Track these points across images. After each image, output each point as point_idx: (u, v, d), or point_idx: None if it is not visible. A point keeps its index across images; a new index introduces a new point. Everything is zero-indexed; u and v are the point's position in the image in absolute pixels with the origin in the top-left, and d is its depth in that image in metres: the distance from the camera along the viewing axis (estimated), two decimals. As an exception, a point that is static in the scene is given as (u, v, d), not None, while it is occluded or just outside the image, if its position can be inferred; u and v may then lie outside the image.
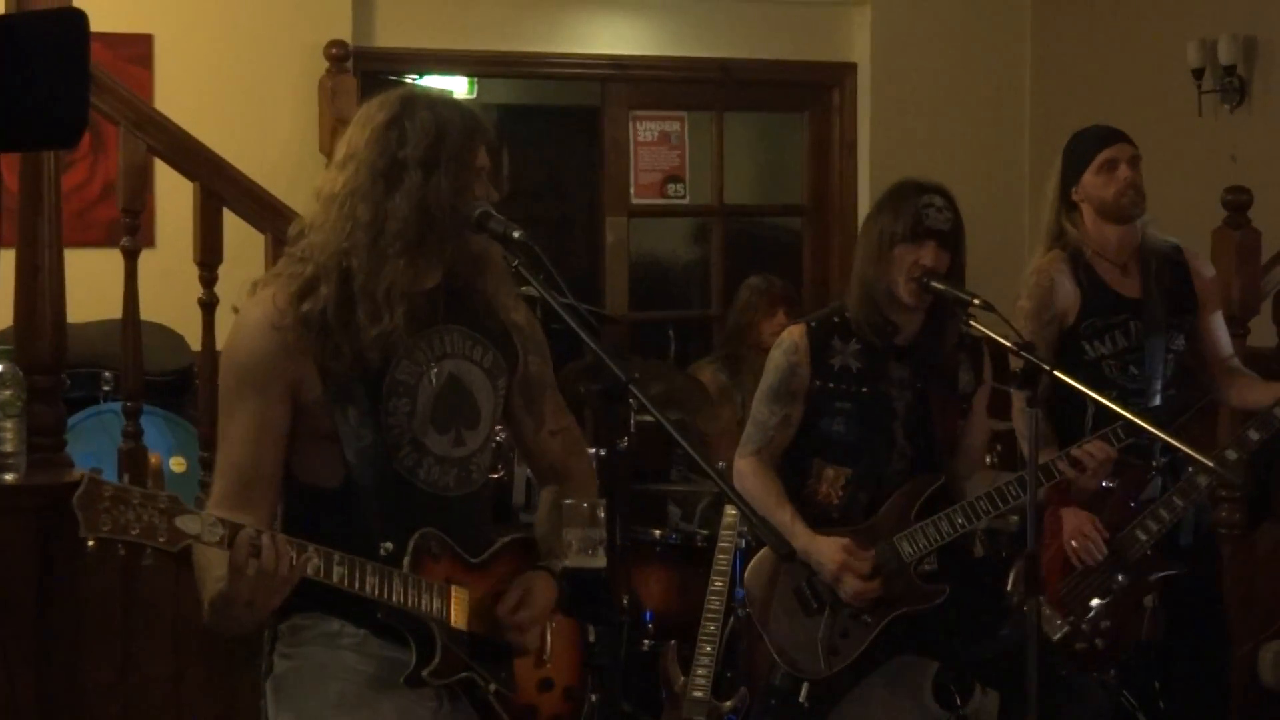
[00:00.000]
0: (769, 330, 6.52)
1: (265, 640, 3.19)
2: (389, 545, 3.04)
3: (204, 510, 2.85)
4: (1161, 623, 4.60)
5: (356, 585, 2.96)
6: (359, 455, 3.06)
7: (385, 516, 3.06)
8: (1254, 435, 4.54)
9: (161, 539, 2.75)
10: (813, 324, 4.29)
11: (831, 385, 4.23)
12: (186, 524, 2.77)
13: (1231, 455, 4.50)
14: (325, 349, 3.02)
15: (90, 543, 2.71)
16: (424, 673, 3.05)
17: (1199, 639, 4.75)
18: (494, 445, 3.37)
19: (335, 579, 2.94)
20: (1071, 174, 4.68)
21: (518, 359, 3.28)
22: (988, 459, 4.92)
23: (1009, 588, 4.41)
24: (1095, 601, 4.49)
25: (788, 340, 4.28)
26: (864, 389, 4.22)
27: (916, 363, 4.25)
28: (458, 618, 3.10)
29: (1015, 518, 5.07)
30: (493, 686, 3.14)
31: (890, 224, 4.13)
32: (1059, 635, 4.43)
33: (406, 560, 3.04)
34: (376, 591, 2.99)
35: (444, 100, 3.18)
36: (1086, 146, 4.68)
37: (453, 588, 3.10)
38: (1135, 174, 4.63)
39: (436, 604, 3.07)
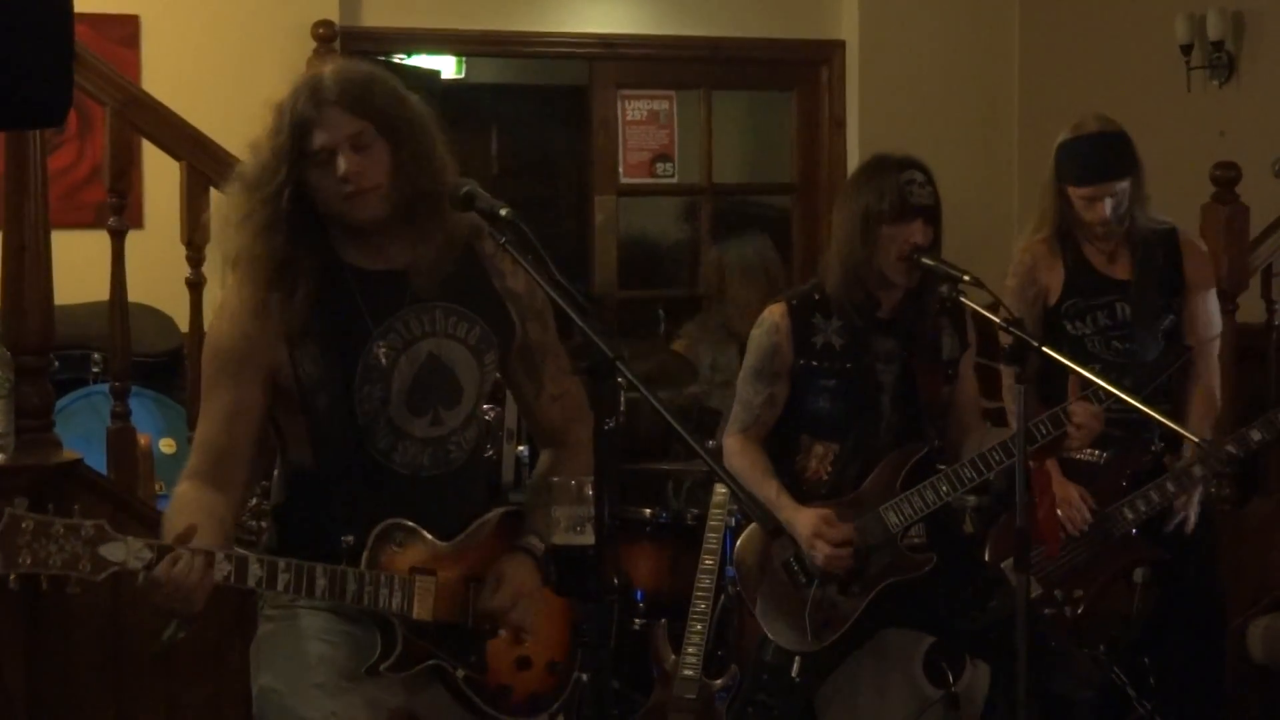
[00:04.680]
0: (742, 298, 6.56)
1: (257, 605, 3.24)
2: (349, 539, 3.06)
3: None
4: (1152, 600, 4.61)
5: (304, 590, 3.00)
6: (325, 443, 3.10)
7: (351, 504, 3.10)
8: (1256, 435, 4.56)
9: (85, 568, 2.77)
10: (793, 302, 4.27)
11: (815, 363, 4.22)
12: (111, 551, 2.80)
13: (1232, 450, 4.52)
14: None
15: (11, 578, 2.71)
16: (381, 667, 3.08)
17: (1192, 619, 4.76)
18: (482, 421, 3.37)
19: (280, 586, 2.97)
20: (1061, 177, 4.67)
21: (514, 329, 3.29)
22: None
23: (986, 557, 4.42)
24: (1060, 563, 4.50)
25: (769, 320, 4.27)
26: (848, 364, 4.21)
27: (900, 334, 4.24)
28: (421, 609, 3.10)
29: (973, 498, 5.09)
30: (460, 672, 3.14)
31: (874, 203, 4.10)
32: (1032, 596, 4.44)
33: (365, 555, 3.05)
34: (327, 594, 3.01)
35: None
36: (1078, 171, 4.62)
37: (417, 579, 3.10)
38: (1117, 205, 4.60)
39: (396, 599, 3.07)
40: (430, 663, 3.12)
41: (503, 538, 3.26)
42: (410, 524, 3.12)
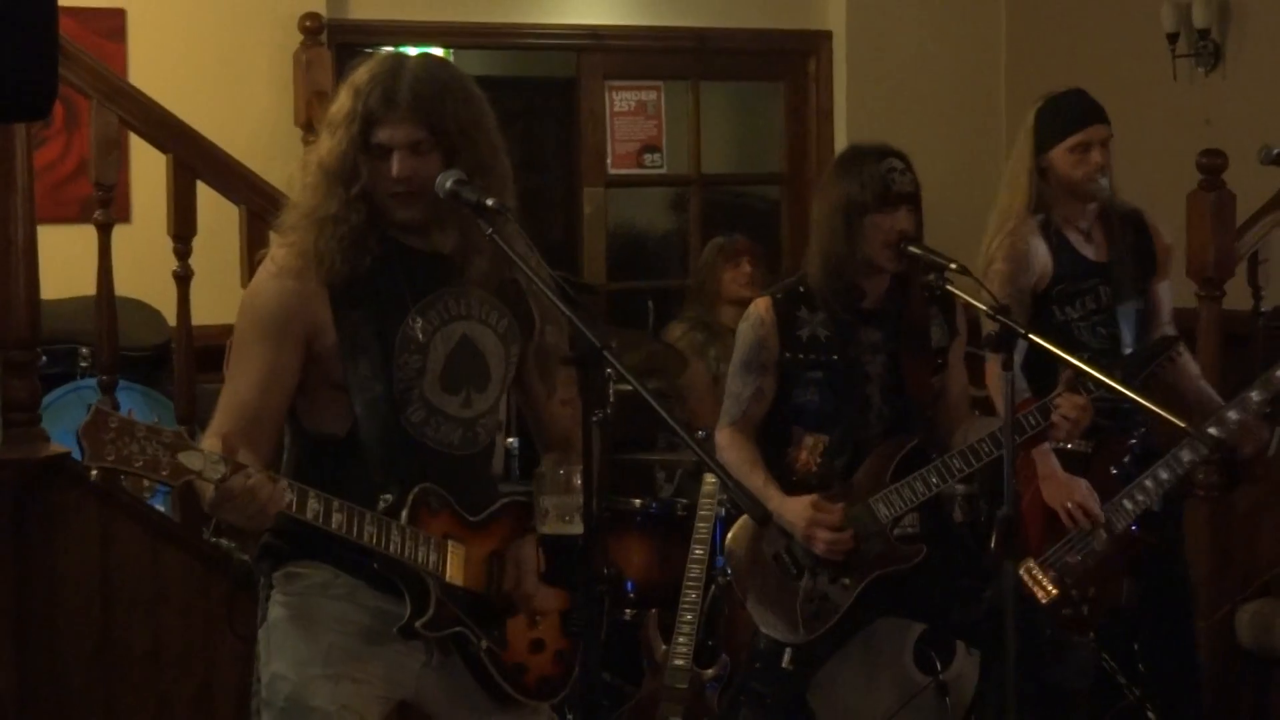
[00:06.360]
0: (736, 282, 6.55)
1: (261, 588, 3.24)
2: (388, 497, 3.09)
3: (200, 442, 2.88)
4: (1135, 589, 4.63)
5: (355, 533, 3.01)
6: (367, 407, 3.11)
7: (388, 469, 3.12)
8: (1255, 396, 4.55)
9: (164, 473, 2.79)
10: (778, 296, 4.28)
11: (801, 356, 4.23)
12: (189, 460, 2.81)
13: (1234, 415, 4.53)
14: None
15: (93, 472, 2.74)
16: (417, 624, 3.10)
17: (1164, 605, 4.79)
18: (499, 411, 3.39)
19: (334, 525, 2.98)
20: (1043, 143, 4.67)
21: (534, 326, 3.33)
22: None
23: (992, 546, 4.41)
24: (1075, 561, 4.51)
25: (754, 314, 4.29)
26: (835, 356, 4.22)
27: (887, 325, 4.24)
28: (453, 573, 3.14)
29: (962, 486, 5.10)
30: (484, 643, 3.18)
31: (856, 193, 4.10)
32: (1048, 600, 4.45)
33: (405, 512, 3.08)
34: (374, 541, 3.03)
35: (376, 59, 3.20)
36: (1063, 121, 4.64)
37: (449, 543, 3.14)
38: (1105, 157, 4.63)
39: (433, 557, 3.11)
40: (456, 629, 3.14)
41: (520, 522, 3.28)
42: (443, 492, 3.16)
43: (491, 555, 3.23)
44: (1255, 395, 4.52)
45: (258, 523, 2.93)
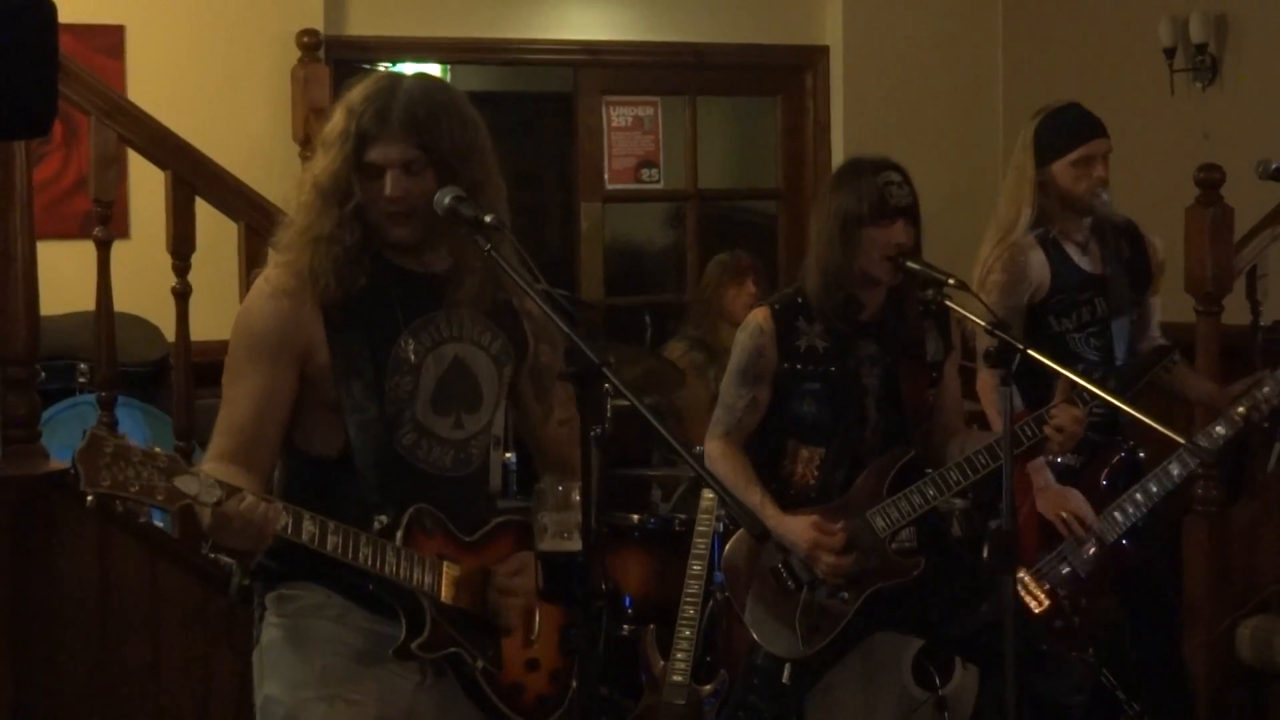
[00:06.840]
0: (739, 301, 6.55)
1: (254, 608, 3.23)
2: (383, 518, 3.08)
3: (199, 465, 2.89)
4: (1117, 605, 4.65)
5: (350, 555, 3.00)
6: (361, 428, 3.10)
7: (382, 490, 3.11)
8: (1220, 430, 4.59)
9: (160, 498, 2.78)
10: (776, 306, 4.27)
11: (799, 367, 4.22)
12: (185, 484, 2.80)
13: (1203, 443, 4.54)
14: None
15: (89, 498, 2.72)
16: (413, 645, 3.09)
17: (1152, 620, 4.79)
18: (491, 432, 3.38)
19: (329, 547, 2.97)
20: (1044, 156, 4.66)
21: (528, 347, 3.31)
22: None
23: (985, 556, 4.42)
24: (1067, 572, 4.52)
25: (753, 323, 4.27)
26: (832, 368, 4.21)
27: (884, 337, 4.23)
28: (448, 593, 3.13)
29: (959, 500, 5.11)
30: (479, 663, 3.17)
31: (854, 205, 4.09)
32: (1041, 611, 4.45)
33: (399, 534, 3.08)
34: (369, 562, 3.02)
35: (372, 79, 3.19)
36: (1065, 135, 4.64)
37: (444, 563, 3.13)
38: (1106, 170, 4.65)
39: (428, 578, 3.10)
40: (452, 650, 3.14)
41: (514, 542, 3.28)
42: (438, 513, 3.15)
43: (486, 574, 3.22)
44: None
45: (254, 545, 2.92)
